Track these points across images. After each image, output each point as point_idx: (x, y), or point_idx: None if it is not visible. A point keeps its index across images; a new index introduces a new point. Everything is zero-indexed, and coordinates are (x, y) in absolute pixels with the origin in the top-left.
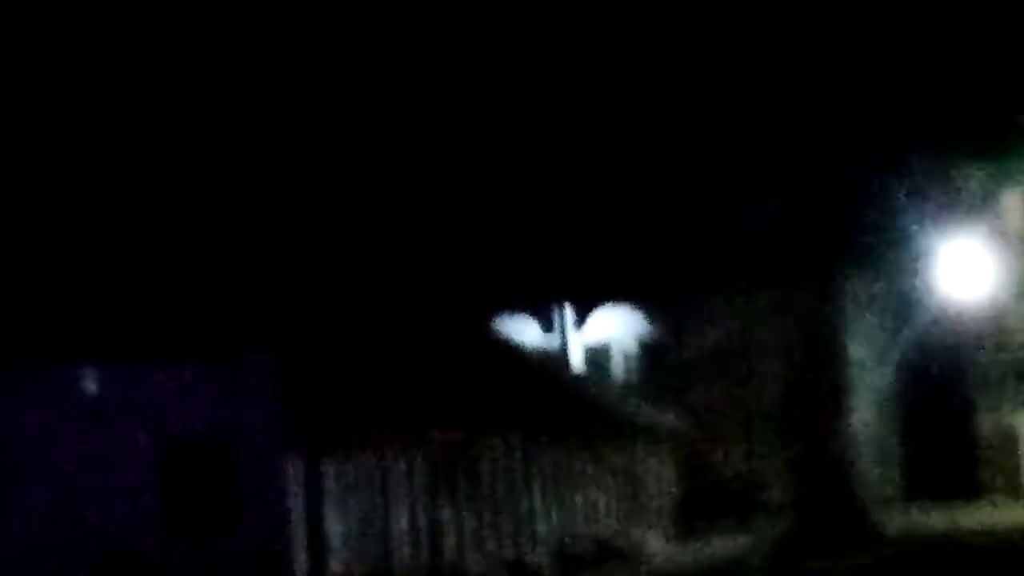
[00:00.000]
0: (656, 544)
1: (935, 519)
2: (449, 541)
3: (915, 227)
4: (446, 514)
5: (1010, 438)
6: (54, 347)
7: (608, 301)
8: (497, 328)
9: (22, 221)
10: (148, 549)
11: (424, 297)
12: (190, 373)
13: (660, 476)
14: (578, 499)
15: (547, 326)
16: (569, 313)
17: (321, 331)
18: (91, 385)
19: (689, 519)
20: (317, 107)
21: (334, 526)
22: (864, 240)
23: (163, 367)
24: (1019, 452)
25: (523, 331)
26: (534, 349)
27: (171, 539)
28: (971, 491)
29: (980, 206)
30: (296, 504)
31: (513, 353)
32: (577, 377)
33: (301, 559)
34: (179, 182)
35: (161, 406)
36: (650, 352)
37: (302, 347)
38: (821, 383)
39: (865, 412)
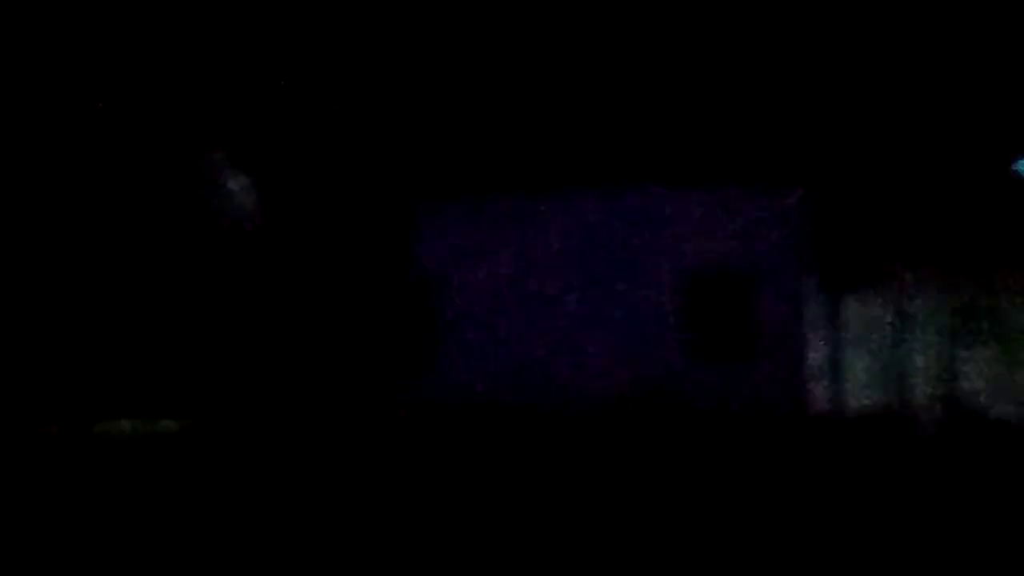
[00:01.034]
0: None
1: None
2: (967, 382)
3: None
4: (965, 355)
5: None
6: (578, 172)
7: None
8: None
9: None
10: (669, 375)
11: (945, 134)
12: (716, 202)
13: None
14: None
15: None
16: None
17: (845, 165)
18: (619, 210)
19: None
20: None
21: (852, 363)
22: None
23: (689, 194)
24: None
25: None
26: None
27: (691, 367)
28: None
29: None
30: (814, 339)
31: None
32: None
33: (818, 394)
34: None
35: (686, 234)
36: None
37: (827, 180)
38: None
39: None
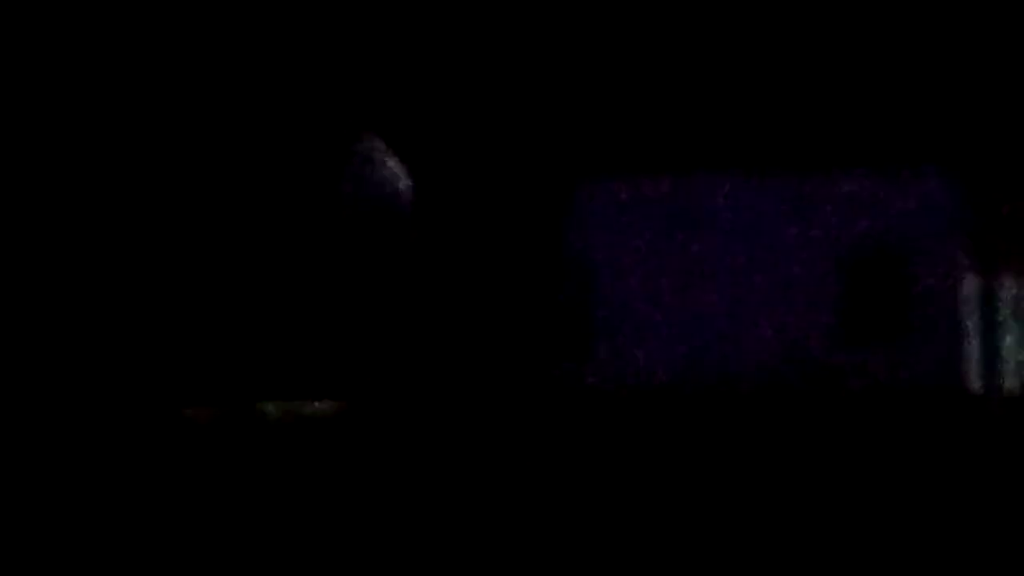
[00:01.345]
0: None
1: None
2: None
3: None
4: None
5: None
6: (734, 157)
7: None
8: None
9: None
10: (820, 354)
11: None
12: (870, 184)
13: None
14: None
15: None
16: None
17: (1001, 146)
18: (775, 192)
19: None
20: None
21: (1008, 342)
22: None
23: (843, 177)
24: None
25: None
26: None
27: (843, 347)
28: None
29: None
30: (970, 319)
31: None
32: None
33: (974, 374)
34: None
35: (840, 216)
36: None
37: (983, 161)
38: None
39: None
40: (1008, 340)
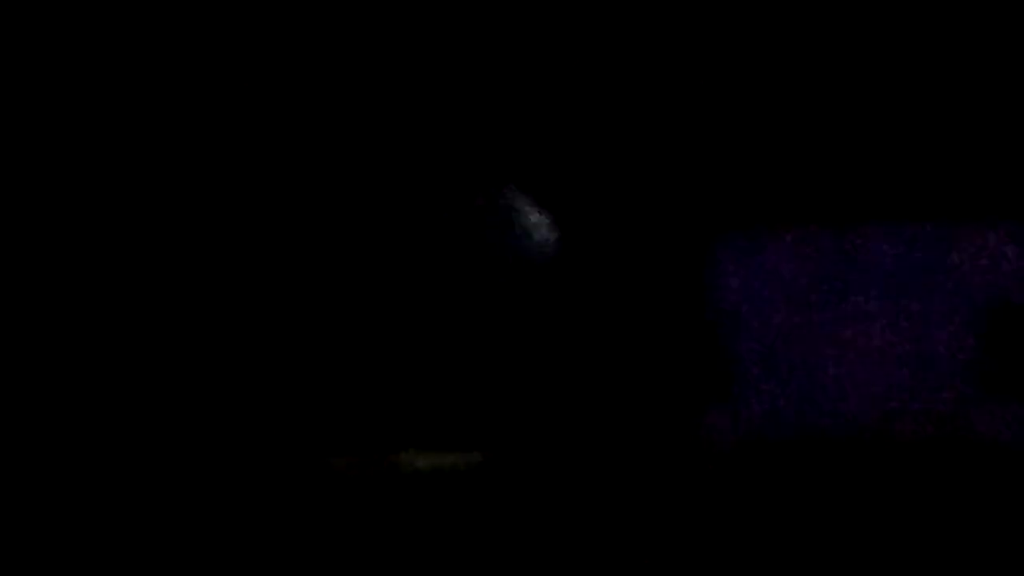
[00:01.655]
0: None
1: None
2: None
3: None
4: None
5: None
6: (873, 207)
7: None
8: None
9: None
10: (963, 409)
11: None
12: (1013, 234)
13: None
14: None
15: None
16: None
17: None
18: (913, 243)
19: None
20: None
21: None
22: None
23: (986, 227)
24: None
25: None
26: None
27: (986, 400)
28: None
29: None
30: None
31: None
32: None
33: None
34: None
35: (978, 266)
36: None
37: None
38: None
39: None
40: None
